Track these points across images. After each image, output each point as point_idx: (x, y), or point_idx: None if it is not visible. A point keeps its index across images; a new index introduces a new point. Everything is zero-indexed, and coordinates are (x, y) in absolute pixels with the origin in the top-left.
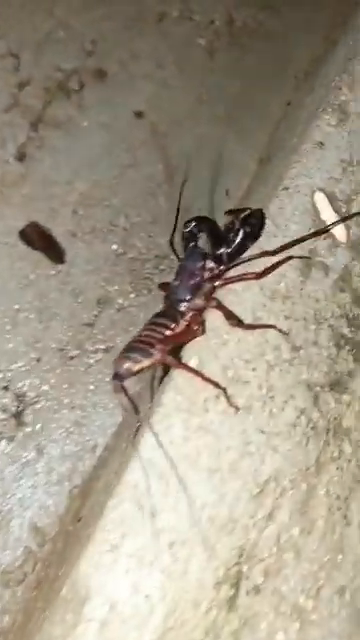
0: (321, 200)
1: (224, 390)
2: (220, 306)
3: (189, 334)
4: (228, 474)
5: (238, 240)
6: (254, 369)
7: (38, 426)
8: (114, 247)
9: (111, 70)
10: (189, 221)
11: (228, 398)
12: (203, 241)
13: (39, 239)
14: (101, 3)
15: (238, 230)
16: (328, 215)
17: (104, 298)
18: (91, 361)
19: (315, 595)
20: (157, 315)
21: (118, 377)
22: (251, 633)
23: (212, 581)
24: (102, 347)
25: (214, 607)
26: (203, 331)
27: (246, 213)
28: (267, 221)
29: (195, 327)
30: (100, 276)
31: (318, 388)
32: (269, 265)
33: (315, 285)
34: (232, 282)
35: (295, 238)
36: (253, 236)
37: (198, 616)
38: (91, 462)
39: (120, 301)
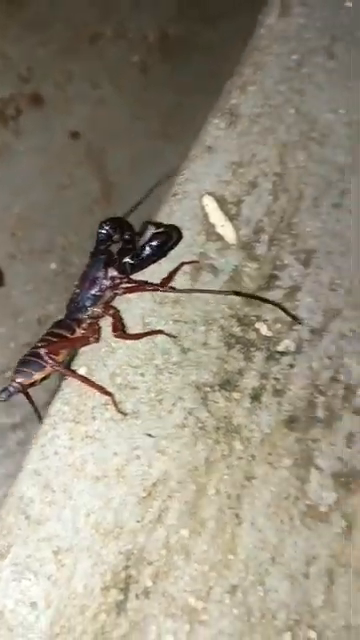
0: (210, 203)
1: (112, 396)
2: (115, 315)
3: (83, 342)
4: (114, 480)
5: (144, 254)
6: (142, 374)
7: None
8: (53, 266)
9: (47, 94)
10: (105, 222)
11: (116, 404)
12: (114, 245)
13: None
14: (36, 30)
15: (146, 244)
16: (217, 218)
17: (44, 317)
18: None
19: (206, 596)
20: (55, 325)
21: (5, 392)
22: (141, 636)
23: (99, 586)
24: None
25: (102, 612)
26: (97, 339)
27: (159, 230)
28: None
29: (90, 335)
30: (40, 295)
31: (207, 388)
32: (165, 276)
33: (205, 287)
34: (132, 292)
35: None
36: (160, 253)
37: (86, 621)
38: None
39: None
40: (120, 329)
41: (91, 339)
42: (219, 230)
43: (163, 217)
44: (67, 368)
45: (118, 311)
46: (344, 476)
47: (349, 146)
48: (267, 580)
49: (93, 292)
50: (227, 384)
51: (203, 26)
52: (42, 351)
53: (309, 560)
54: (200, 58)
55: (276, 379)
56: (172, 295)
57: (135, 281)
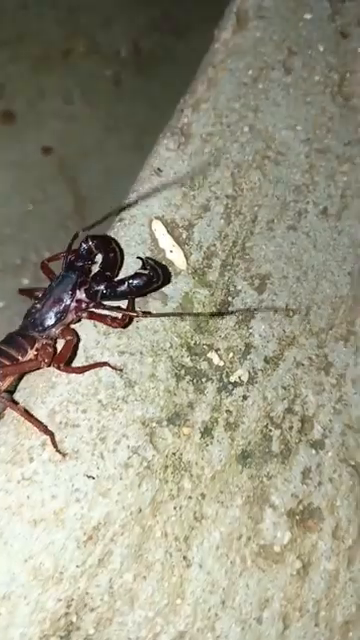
0: (159, 228)
1: (52, 436)
2: (69, 343)
3: (33, 366)
4: (53, 524)
5: (121, 289)
6: (84, 411)
7: None
8: (25, 282)
9: (19, 111)
10: (92, 237)
11: (55, 444)
12: (92, 264)
13: None
14: (7, 46)
15: (127, 280)
16: (166, 243)
17: None
18: None
19: None
20: (4, 341)
21: None
22: None
23: (38, 634)
24: None
25: None
26: (49, 364)
27: (144, 271)
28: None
29: (41, 358)
30: (12, 311)
31: (154, 424)
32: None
33: (153, 316)
34: (95, 319)
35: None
36: (138, 293)
37: None
38: None
39: None
40: (65, 360)
41: (43, 363)
42: (169, 256)
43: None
44: (10, 399)
45: (78, 339)
46: (299, 514)
47: (307, 164)
48: (217, 625)
49: (55, 311)
50: (176, 418)
51: (174, 39)
52: None
53: (262, 603)
54: (172, 70)
55: (229, 412)
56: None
57: (104, 307)
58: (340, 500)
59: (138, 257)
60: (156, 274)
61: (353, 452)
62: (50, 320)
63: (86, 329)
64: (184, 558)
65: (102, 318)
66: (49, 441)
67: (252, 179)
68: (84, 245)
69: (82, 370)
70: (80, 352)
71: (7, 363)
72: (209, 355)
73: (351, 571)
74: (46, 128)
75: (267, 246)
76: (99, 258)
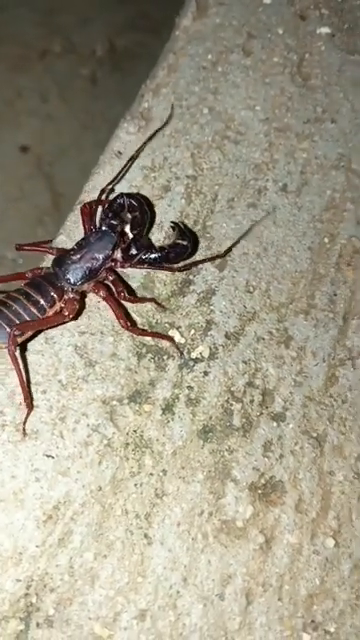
0: None
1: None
2: (108, 299)
3: (57, 321)
4: (12, 504)
5: (158, 255)
6: (44, 392)
7: None
8: None
9: None
10: (128, 195)
11: (16, 425)
12: (124, 223)
13: None
14: None
15: (165, 248)
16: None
17: None
18: None
19: (112, 622)
20: (32, 286)
21: None
22: None
23: None
24: None
25: None
26: (75, 318)
27: (184, 243)
28: (64, 237)
29: (67, 312)
30: None
31: (115, 402)
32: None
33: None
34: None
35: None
36: (173, 261)
37: None
38: None
39: None
40: (126, 315)
41: (67, 318)
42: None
43: (70, 225)
44: (13, 357)
45: (110, 294)
46: (261, 488)
47: (266, 143)
48: (178, 603)
49: (90, 266)
50: (137, 396)
51: (150, 37)
52: (8, 330)
53: (224, 580)
54: (148, 68)
55: (190, 388)
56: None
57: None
58: (302, 472)
59: (173, 222)
60: (192, 243)
61: (315, 423)
62: (84, 274)
63: None
64: (145, 536)
65: (115, 304)
66: (9, 422)
67: (212, 159)
68: (119, 201)
69: (145, 334)
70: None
71: (33, 309)
72: (170, 333)
73: (314, 544)
74: (23, 127)
75: (227, 224)
76: (129, 217)
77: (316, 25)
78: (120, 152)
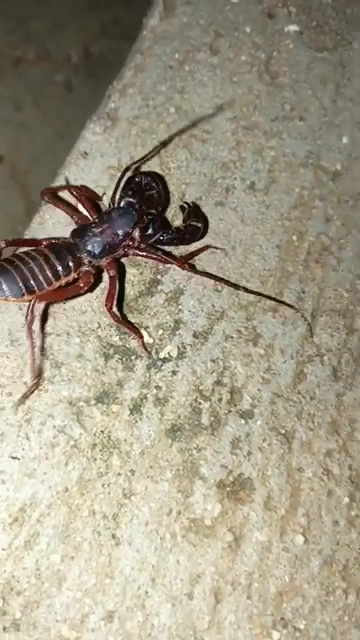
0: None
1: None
2: (113, 279)
3: (75, 293)
4: None
5: (174, 237)
6: (10, 394)
7: None
8: None
9: None
10: (145, 174)
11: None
12: (142, 199)
13: None
14: None
15: (181, 230)
16: None
17: None
18: None
19: (80, 624)
20: (51, 249)
21: None
22: None
23: None
24: None
25: None
26: (88, 290)
27: (198, 225)
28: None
29: (83, 284)
30: None
31: (82, 403)
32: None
33: (81, 297)
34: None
35: None
36: (187, 242)
37: None
38: None
39: None
40: (114, 300)
41: (83, 289)
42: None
43: (35, 226)
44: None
45: (120, 274)
46: (230, 485)
47: (234, 141)
48: (147, 603)
49: (110, 241)
50: (104, 397)
51: (125, 42)
52: (27, 298)
53: (193, 579)
54: None
55: (158, 387)
56: (43, 307)
57: (152, 248)
58: (271, 469)
59: (185, 202)
60: (205, 225)
61: (283, 420)
62: (103, 248)
63: (10, 313)
64: (113, 536)
65: (152, 257)
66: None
67: (179, 158)
68: (137, 179)
69: (121, 322)
70: (4, 335)
71: (48, 272)
72: None
73: (284, 541)
74: None
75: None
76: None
77: (284, 23)
78: (86, 152)
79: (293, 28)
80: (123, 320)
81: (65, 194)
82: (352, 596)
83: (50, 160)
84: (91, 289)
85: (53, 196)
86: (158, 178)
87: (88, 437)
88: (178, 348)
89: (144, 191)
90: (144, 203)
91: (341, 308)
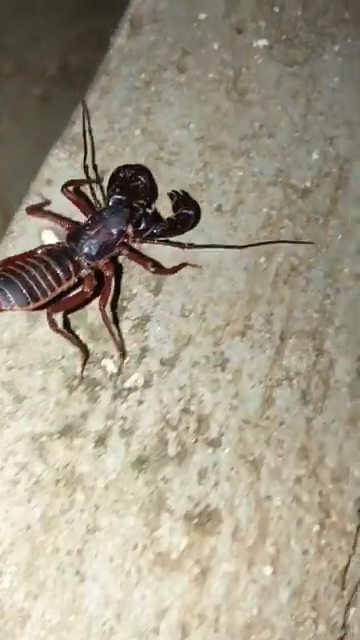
0: (48, 239)
1: None
2: (109, 279)
3: (80, 299)
4: None
5: (167, 228)
6: None
7: None
8: None
9: None
10: (128, 167)
11: None
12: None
13: None
14: None
15: (174, 220)
16: None
17: None
18: None
19: None
20: (50, 255)
21: None
22: None
23: None
24: None
25: None
26: (94, 294)
27: (190, 212)
28: None
29: (87, 289)
30: None
31: (45, 438)
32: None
33: (44, 327)
34: (135, 260)
35: None
36: (181, 231)
37: None
38: None
39: None
40: (108, 298)
41: (88, 295)
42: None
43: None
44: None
45: (117, 275)
46: (197, 517)
47: (201, 162)
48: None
49: (105, 241)
50: (68, 430)
51: (102, 53)
52: (33, 305)
53: (159, 614)
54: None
55: (123, 418)
56: (7, 340)
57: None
58: (239, 499)
59: (173, 190)
60: (196, 211)
61: (251, 447)
62: (100, 249)
63: None
64: (77, 572)
65: (141, 260)
66: None
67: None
68: (120, 174)
69: (109, 326)
70: None
71: (50, 278)
72: (103, 363)
73: (251, 572)
74: None
75: (163, 247)
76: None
77: (253, 38)
78: (50, 180)
79: (262, 43)
80: (110, 321)
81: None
82: (322, 626)
83: (28, 173)
84: (96, 292)
85: (37, 210)
86: (141, 168)
87: (51, 473)
88: (144, 376)
89: (129, 184)
90: (132, 196)
91: (310, 330)
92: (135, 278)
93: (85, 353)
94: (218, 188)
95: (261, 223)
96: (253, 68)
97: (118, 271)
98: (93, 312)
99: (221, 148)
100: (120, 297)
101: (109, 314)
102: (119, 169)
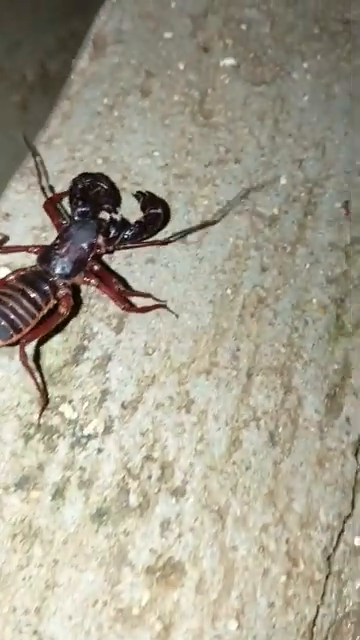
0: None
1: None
2: (102, 285)
3: (56, 320)
4: None
5: (138, 231)
6: None
7: None
8: None
9: None
10: (86, 175)
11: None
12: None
13: None
14: None
15: (143, 222)
16: None
17: None
18: None
19: None
20: (27, 283)
21: None
22: None
23: None
24: None
25: None
26: (72, 315)
27: (158, 211)
28: None
29: (64, 309)
30: None
31: (0, 491)
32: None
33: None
34: (103, 289)
35: None
36: (152, 233)
37: None
38: None
39: None
40: (124, 301)
41: (63, 316)
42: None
43: None
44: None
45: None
46: (159, 570)
47: (165, 192)
48: None
49: (77, 257)
50: (24, 482)
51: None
52: (4, 323)
53: None
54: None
55: (82, 468)
56: None
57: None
58: (203, 550)
59: (138, 191)
60: (164, 209)
61: (216, 496)
62: (73, 266)
63: None
64: (35, 632)
65: (110, 289)
66: None
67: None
68: (79, 185)
69: (135, 309)
70: None
71: (28, 305)
72: (61, 408)
73: (215, 628)
74: None
75: (126, 281)
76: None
77: (220, 57)
78: (8, 214)
79: (229, 62)
80: (135, 308)
81: None
82: None
83: (4, 182)
84: (73, 311)
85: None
86: (98, 174)
87: (7, 528)
88: (105, 422)
89: (90, 192)
90: (96, 205)
91: (278, 365)
92: (96, 316)
93: (45, 398)
94: (183, 219)
95: (227, 254)
96: (219, 89)
97: (103, 273)
98: (52, 353)
99: (186, 176)
100: (80, 336)
101: (133, 304)
102: (76, 181)
